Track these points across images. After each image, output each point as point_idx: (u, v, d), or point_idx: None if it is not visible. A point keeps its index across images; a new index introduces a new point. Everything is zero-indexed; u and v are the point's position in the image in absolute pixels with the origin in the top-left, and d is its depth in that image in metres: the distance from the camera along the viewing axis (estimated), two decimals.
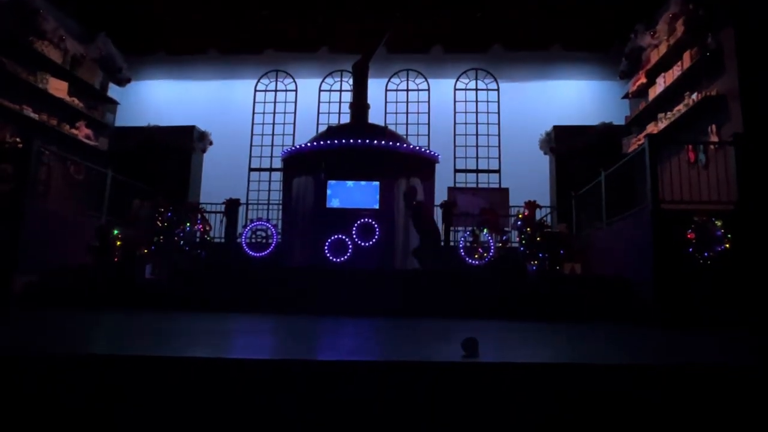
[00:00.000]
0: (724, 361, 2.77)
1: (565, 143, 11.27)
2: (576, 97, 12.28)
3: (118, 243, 7.48)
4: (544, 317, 5.85)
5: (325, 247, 8.33)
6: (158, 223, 8.21)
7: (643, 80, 10.10)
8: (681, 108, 8.52)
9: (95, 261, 7.34)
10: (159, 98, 12.82)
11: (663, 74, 9.26)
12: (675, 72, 8.79)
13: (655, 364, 2.51)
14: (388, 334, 3.97)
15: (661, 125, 9.16)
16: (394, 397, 2.16)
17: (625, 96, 11.21)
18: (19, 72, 9.21)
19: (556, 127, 11.48)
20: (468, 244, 8.58)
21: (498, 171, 12.37)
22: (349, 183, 8.71)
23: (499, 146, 12.46)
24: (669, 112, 8.97)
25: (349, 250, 8.31)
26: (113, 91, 12.24)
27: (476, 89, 12.86)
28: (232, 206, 9.61)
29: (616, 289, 6.48)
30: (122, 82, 12.38)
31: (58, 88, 10.09)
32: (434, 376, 2.19)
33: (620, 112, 11.37)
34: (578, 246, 8.22)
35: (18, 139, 8.19)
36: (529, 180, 11.32)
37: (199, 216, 8.75)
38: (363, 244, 8.36)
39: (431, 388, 2.16)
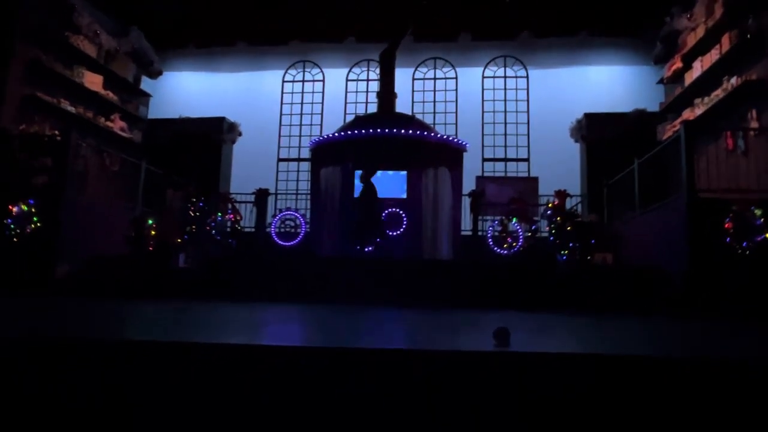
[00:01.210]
0: (761, 355, 2.70)
1: (597, 131, 11.04)
2: (608, 83, 12.00)
3: (153, 233, 7.67)
4: (575, 308, 5.79)
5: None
6: (190, 213, 8.39)
7: (679, 65, 9.79)
8: (719, 93, 8.24)
9: (131, 251, 7.55)
10: (189, 90, 13.05)
11: (700, 58, 8.96)
12: (713, 56, 8.49)
13: (688, 356, 2.47)
14: (417, 323, 4.00)
15: (698, 111, 8.88)
16: (425, 385, 2.18)
17: (660, 81, 10.89)
18: (57, 67, 9.48)
19: (587, 115, 11.24)
20: (496, 233, 8.53)
21: (527, 160, 12.21)
22: (377, 173, 8.71)
23: (528, 135, 12.29)
24: (706, 98, 8.69)
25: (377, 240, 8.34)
26: (146, 84, 12.50)
27: (505, 77, 12.67)
28: (261, 196, 9.76)
29: (649, 280, 6.35)
30: (154, 75, 12.64)
31: (93, 81, 10.36)
32: (466, 365, 2.20)
33: (654, 98, 11.06)
34: (610, 236, 8.07)
35: (56, 133, 8.47)
36: (559, 169, 11.14)
37: (230, 206, 8.92)
38: (391, 233, 8.38)
39: (462, 377, 2.17)
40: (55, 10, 9.59)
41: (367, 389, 2.18)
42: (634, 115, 10.92)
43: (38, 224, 7.25)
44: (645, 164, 7.86)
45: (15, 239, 7.16)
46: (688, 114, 9.30)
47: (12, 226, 7.20)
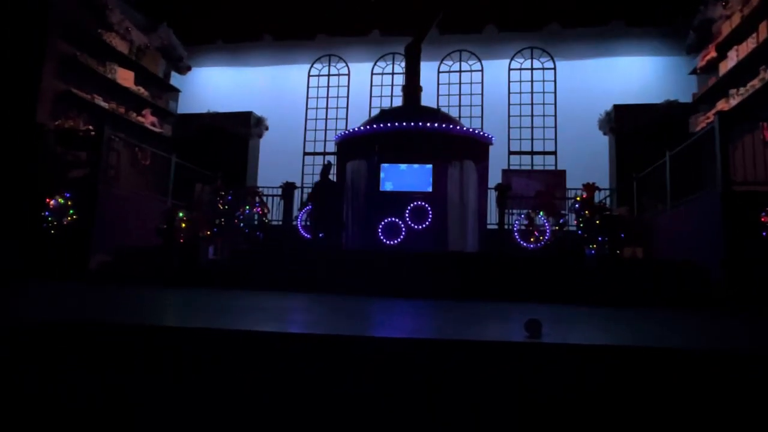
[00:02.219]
0: None
1: (627, 123, 10.82)
2: (638, 74, 11.74)
3: (183, 225, 7.83)
4: (604, 302, 5.71)
5: (379, 230, 8.43)
6: (219, 206, 8.54)
7: (713, 54, 9.52)
8: (755, 83, 7.99)
9: (163, 242, 7.73)
10: (217, 85, 13.24)
11: (735, 47, 8.70)
12: (749, 45, 8.24)
13: (721, 348, 2.43)
14: (444, 315, 4.00)
15: (733, 102, 8.64)
16: (453, 375, 2.20)
17: (693, 71, 10.61)
18: (90, 63, 9.73)
19: (616, 106, 11.02)
20: (523, 227, 8.45)
21: (554, 153, 12.05)
22: (402, 166, 8.73)
23: (556, 127, 12.13)
24: (742, 88, 8.44)
25: (403, 233, 8.37)
26: (175, 79, 12.73)
27: (531, 68, 12.51)
28: (288, 190, 9.85)
29: (681, 274, 6.22)
30: (183, 70, 12.86)
31: (125, 77, 10.60)
32: (497, 356, 2.21)
33: (687, 89, 10.79)
34: (640, 229, 7.93)
35: (90, 127, 8.71)
36: (587, 161, 10.97)
37: (257, 199, 9.04)
38: (416, 226, 8.40)
39: (494, 367, 2.18)
40: (89, 8, 9.83)
41: (396, 379, 2.20)
42: (665, 106, 10.67)
43: (74, 216, 7.49)
44: (677, 156, 7.68)
45: (52, 231, 7.41)
46: (722, 105, 9.04)
47: (49, 218, 7.45)
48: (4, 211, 7.68)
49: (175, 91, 12.68)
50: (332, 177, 9.09)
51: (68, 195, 7.57)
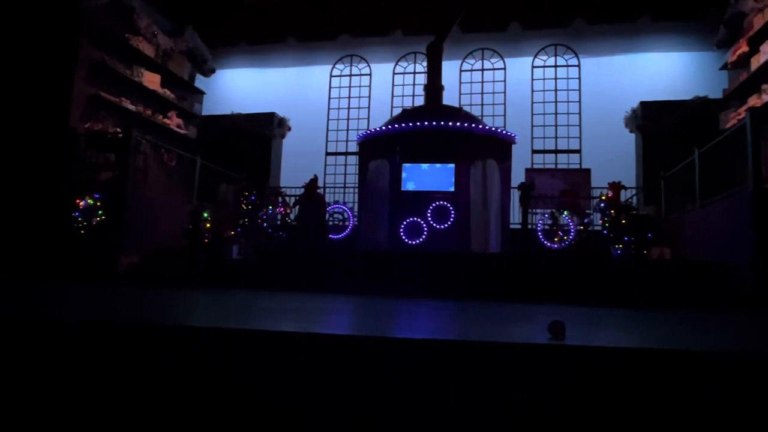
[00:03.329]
0: None
1: (654, 120, 10.59)
2: (666, 70, 11.49)
3: (208, 225, 7.96)
4: (630, 303, 5.61)
5: (401, 230, 8.43)
6: (243, 206, 8.65)
7: (745, 48, 9.25)
8: None
9: (188, 243, 7.86)
10: (241, 87, 13.41)
11: None
12: None
13: (753, 352, 2.36)
14: (467, 316, 3.99)
15: (766, 97, 8.38)
16: (476, 377, 2.19)
17: (723, 67, 10.33)
18: (118, 67, 9.95)
19: (643, 103, 10.80)
20: (546, 227, 8.36)
21: (579, 151, 11.87)
22: (424, 166, 8.70)
23: (580, 125, 11.95)
24: None
25: (425, 233, 8.35)
26: (200, 81, 12.94)
27: (555, 66, 12.35)
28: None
29: (710, 275, 6.07)
30: (207, 72, 13.07)
31: (151, 80, 10.82)
32: (520, 358, 2.19)
33: (717, 85, 10.51)
34: (667, 229, 7.77)
35: (119, 130, 8.91)
36: (613, 160, 10.78)
37: (280, 199, 9.13)
38: (438, 226, 8.37)
39: (517, 370, 2.17)
40: (117, 14, 10.06)
41: (419, 379, 2.21)
42: (694, 102, 10.42)
43: (103, 217, 7.68)
44: (706, 154, 7.49)
45: (82, 231, 7.61)
46: (754, 101, 8.78)
47: (80, 219, 7.65)
48: (37, 211, 7.91)
49: (200, 94, 12.89)
50: (320, 191, 9.41)
51: (98, 196, 7.76)
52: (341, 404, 2.19)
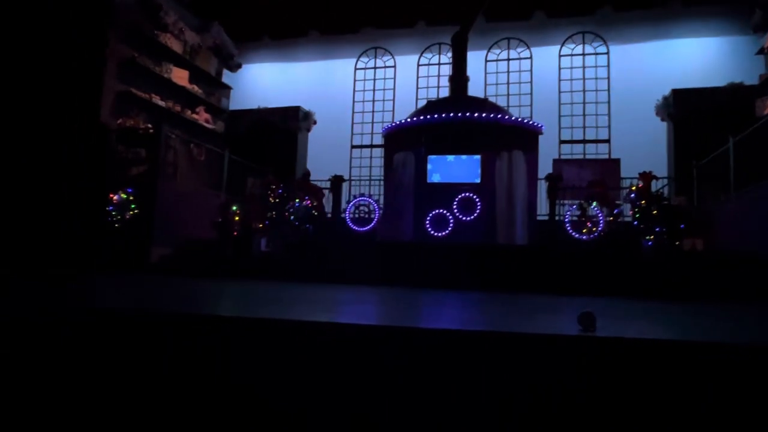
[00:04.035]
0: None
1: (686, 108, 10.31)
2: (699, 56, 11.16)
3: (237, 218, 8.09)
4: (662, 295, 5.51)
5: (427, 222, 8.43)
6: (270, 199, 8.76)
7: None
8: None
9: (218, 235, 8.02)
10: (267, 81, 13.54)
11: None
12: None
13: None
14: (493, 307, 3.98)
15: None
16: (507, 368, 2.20)
17: (760, 51, 9.98)
18: (148, 64, 10.14)
19: (675, 91, 10.53)
20: (575, 218, 8.25)
21: (608, 141, 11.65)
22: (450, 157, 8.68)
23: (609, 114, 11.71)
24: None
25: (450, 225, 8.33)
26: (226, 76, 13.11)
27: (583, 54, 12.11)
28: (336, 183, 9.98)
29: (744, 266, 5.92)
30: (234, 68, 13.23)
31: (180, 76, 11.00)
32: (550, 349, 2.19)
33: (753, 71, 10.15)
34: (700, 220, 7.58)
35: (149, 126, 9.10)
36: (643, 149, 10.55)
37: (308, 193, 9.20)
38: (464, 218, 8.34)
39: (546, 361, 2.17)
40: (145, 11, 10.25)
41: (446, 370, 2.22)
42: (728, 89, 10.09)
43: (135, 211, 7.88)
44: (741, 142, 7.28)
45: (116, 225, 7.83)
46: None
47: (113, 212, 7.87)
48: (73, 206, 8.16)
49: (227, 89, 13.05)
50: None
51: (130, 191, 7.97)
52: (368, 393, 2.22)
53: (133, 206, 7.92)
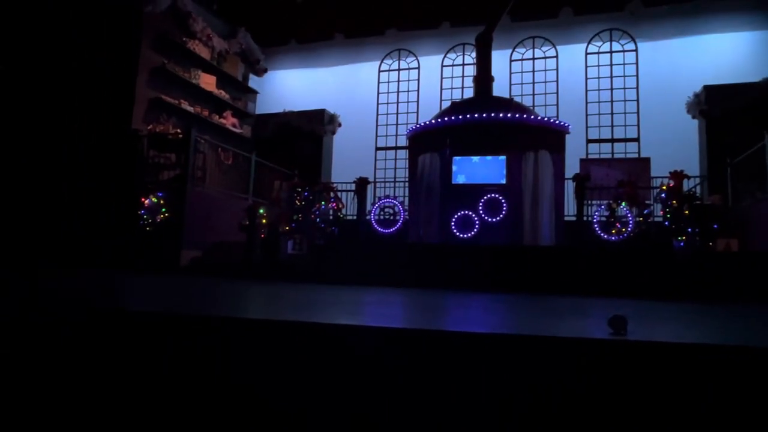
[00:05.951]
0: None
1: (719, 104, 10.05)
2: (731, 51, 10.86)
3: (264, 221, 8.21)
4: (695, 298, 5.39)
5: (452, 223, 8.40)
6: (296, 202, 8.85)
7: None
8: None
9: (246, 238, 8.14)
10: (292, 85, 13.70)
11: None
12: None
13: None
14: (522, 310, 3.95)
15: None
16: (535, 372, 2.19)
17: None
18: (177, 70, 10.38)
19: (707, 87, 10.27)
20: (603, 218, 8.11)
21: (637, 140, 11.43)
22: (475, 158, 8.63)
23: (638, 112, 11.49)
24: None
25: (476, 226, 8.29)
26: (252, 81, 13.31)
27: (611, 51, 11.91)
28: (361, 185, 10.03)
29: None
30: (260, 72, 13.42)
31: (208, 82, 11.22)
32: (579, 352, 2.17)
33: None
34: (734, 220, 7.38)
35: (179, 131, 9.30)
36: (674, 148, 10.32)
37: (332, 195, 9.28)
38: (490, 220, 8.28)
39: (577, 365, 2.15)
40: (174, 19, 10.49)
41: (471, 374, 2.22)
42: (763, 84, 9.80)
43: (166, 214, 8.06)
44: None
45: (148, 228, 8.03)
46: None
47: (145, 216, 8.07)
48: (107, 210, 8.40)
49: (254, 93, 13.25)
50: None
51: (161, 194, 8.16)
52: (394, 396, 2.24)
53: (164, 210, 8.11)
